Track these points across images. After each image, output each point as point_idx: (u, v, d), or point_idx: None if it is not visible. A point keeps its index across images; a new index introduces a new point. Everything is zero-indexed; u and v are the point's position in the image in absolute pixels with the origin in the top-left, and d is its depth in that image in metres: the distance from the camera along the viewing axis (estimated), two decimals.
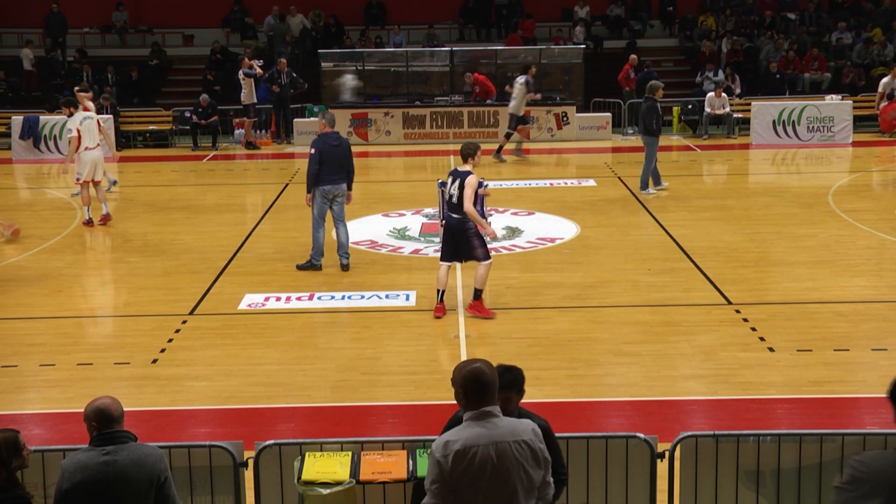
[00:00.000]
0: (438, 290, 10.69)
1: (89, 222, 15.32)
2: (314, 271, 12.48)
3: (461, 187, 10.18)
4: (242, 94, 23.83)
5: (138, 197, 18.20)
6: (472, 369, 4.59)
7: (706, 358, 9.45)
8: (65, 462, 4.83)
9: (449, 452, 4.46)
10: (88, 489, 4.71)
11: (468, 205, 10.15)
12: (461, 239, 10.46)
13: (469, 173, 10.26)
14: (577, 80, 25.45)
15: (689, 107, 24.94)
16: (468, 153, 10.41)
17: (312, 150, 12.24)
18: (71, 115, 15.27)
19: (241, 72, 23.79)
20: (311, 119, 24.47)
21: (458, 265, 11.45)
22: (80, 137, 15.17)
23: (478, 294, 10.63)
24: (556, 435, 5.21)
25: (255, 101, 24.01)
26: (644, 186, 17.19)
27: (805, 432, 5.76)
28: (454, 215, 10.38)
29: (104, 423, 4.84)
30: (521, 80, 21.50)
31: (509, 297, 11.38)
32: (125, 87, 27.44)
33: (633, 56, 25.81)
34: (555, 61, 26.26)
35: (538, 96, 22.67)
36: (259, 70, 23.88)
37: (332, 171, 12.30)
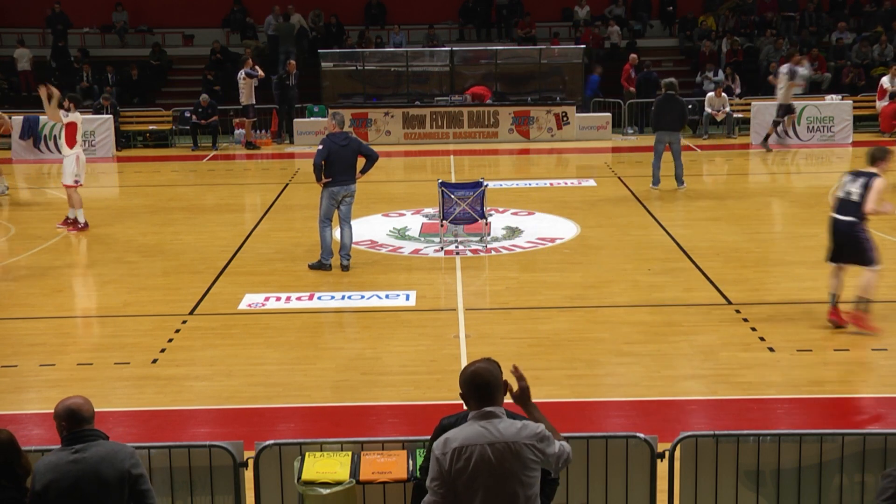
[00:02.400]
0: (831, 294, 10.24)
1: (85, 225, 15.26)
2: (320, 271, 12.46)
3: (864, 186, 9.89)
4: (242, 95, 23.82)
5: (138, 197, 18.20)
6: (473, 370, 4.62)
7: (706, 358, 9.44)
8: (37, 463, 4.84)
9: (448, 450, 4.48)
10: (59, 488, 4.72)
11: (871, 205, 9.86)
12: (849, 241, 10.07)
13: (876, 175, 10.03)
14: (577, 80, 25.43)
15: (689, 107, 24.84)
16: (879, 156, 10.15)
17: (320, 147, 12.27)
18: (69, 109, 15.19)
19: (242, 72, 23.75)
20: (312, 119, 24.50)
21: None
22: (76, 131, 15.14)
23: (862, 302, 10.03)
24: None
25: (255, 101, 24.00)
26: (681, 182, 17.46)
27: (805, 432, 5.75)
28: (844, 217, 10.03)
29: (74, 422, 4.83)
30: (784, 69, 21.66)
31: (509, 297, 11.38)
32: (125, 87, 27.44)
33: (634, 56, 25.80)
34: (555, 61, 26.24)
35: (802, 84, 22.83)
36: (261, 73, 23.86)
37: (341, 171, 12.29)
